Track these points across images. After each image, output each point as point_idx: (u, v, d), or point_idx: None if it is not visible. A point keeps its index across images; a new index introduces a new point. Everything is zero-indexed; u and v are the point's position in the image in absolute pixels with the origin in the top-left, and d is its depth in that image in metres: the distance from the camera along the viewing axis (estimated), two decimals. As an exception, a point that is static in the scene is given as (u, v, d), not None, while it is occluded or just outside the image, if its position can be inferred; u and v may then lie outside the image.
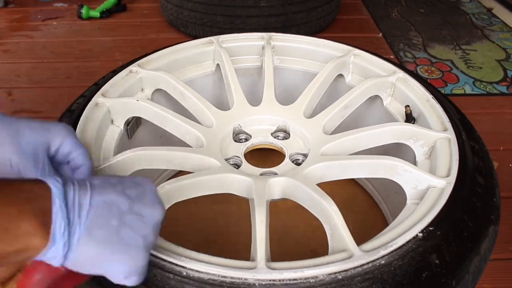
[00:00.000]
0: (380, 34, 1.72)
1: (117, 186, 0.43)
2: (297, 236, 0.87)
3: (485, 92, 1.37)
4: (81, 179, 0.42)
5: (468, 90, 1.38)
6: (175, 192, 0.60)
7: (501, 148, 1.13)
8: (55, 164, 0.51)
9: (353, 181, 0.99)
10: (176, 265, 0.48)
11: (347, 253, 0.50)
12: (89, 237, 0.39)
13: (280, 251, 0.83)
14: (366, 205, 0.94)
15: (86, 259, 0.39)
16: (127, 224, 0.41)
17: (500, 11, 1.90)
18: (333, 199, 0.57)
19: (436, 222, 0.53)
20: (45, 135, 0.50)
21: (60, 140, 0.50)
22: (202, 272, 0.47)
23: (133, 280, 0.42)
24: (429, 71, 1.48)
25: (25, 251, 0.36)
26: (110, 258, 0.40)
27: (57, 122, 0.53)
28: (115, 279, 0.41)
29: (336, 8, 1.72)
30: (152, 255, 0.49)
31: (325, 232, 0.57)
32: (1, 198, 0.36)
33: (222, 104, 0.85)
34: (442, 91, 1.22)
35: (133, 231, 0.42)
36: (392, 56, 1.56)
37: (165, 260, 0.48)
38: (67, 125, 0.53)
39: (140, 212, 0.43)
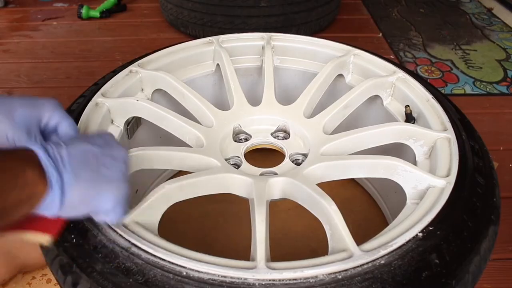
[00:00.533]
0: (380, 34, 1.72)
1: (86, 139, 0.51)
2: (297, 236, 0.87)
3: (485, 92, 1.37)
4: (55, 141, 0.49)
5: (468, 90, 1.38)
6: (175, 192, 0.60)
7: (501, 148, 1.13)
8: (46, 135, 0.57)
9: (353, 181, 0.99)
10: (176, 265, 0.48)
11: (347, 253, 0.50)
12: (77, 179, 0.46)
13: (280, 251, 0.83)
14: (366, 205, 0.94)
15: (78, 199, 0.46)
16: (104, 164, 0.49)
17: (500, 11, 1.90)
18: (333, 199, 0.57)
19: (436, 222, 0.53)
20: (36, 110, 0.55)
21: (49, 114, 0.56)
22: (202, 272, 0.47)
23: (118, 211, 0.50)
24: (429, 71, 1.48)
25: (32, 198, 0.43)
26: (98, 191, 0.48)
27: (47, 98, 0.58)
28: (104, 210, 0.49)
29: (336, 8, 1.72)
30: (152, 254, 0.49)
31: (325, 232, 0.57)
32: (2, 158, 0.43)
33: (222, 104, 0.85)
34: (442, 91, 1.22)
35: (110, 168, 0.49)
36: (392, 56, 1.56)
37: (165, 260, 0.48)
38: (55, 99, 0.58)
39: (111, 154, 0.51)
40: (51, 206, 0.45)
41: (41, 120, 0.55)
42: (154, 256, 0.49)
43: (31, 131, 0.53)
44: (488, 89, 1.38)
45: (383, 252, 0.49)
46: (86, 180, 0.47)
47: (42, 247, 0.55)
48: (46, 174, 0.44)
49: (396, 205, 0.79)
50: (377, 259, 0.49)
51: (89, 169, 0.48)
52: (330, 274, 0.47)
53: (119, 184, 0.50)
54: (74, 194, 0.46)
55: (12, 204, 0.41)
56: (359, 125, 0.73)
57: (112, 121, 0.75)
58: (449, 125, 0.67)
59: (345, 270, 0.48)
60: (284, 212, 0.90)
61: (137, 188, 0.86)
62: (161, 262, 0.48)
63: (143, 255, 0.49)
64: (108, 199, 0.49)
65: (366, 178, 0.95)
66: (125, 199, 0.51)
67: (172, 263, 0.48)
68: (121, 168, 0.51)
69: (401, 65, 0.83)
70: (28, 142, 0.51)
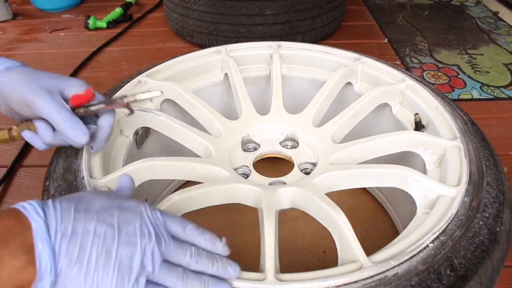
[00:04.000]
0: (386, 40, 1.72)
1: (101, 214, 0.43)
2: (305, 244, 0.86)
3: (492, 97, 1.36)
4: (64, 199, 0.43)
5: (476, 94, 1.37)
6: (184, 202, 0.60)
7: (510, 153, 1.12)
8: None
9: (362, 189, 0.98)
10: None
11: (357, 264, 0.50)
12: (71, 269, 0.39)
13: (289, 260, 0.83)
14: (375, 213, 0.94)
15: None
16: (110, 251, 0.41)
17: (506, 15, 1.89)
18: (342, 207, 0.57)
19: (447, 231, 0.52)
20: (62, 82, 0.55)
21: (75, 89, 0.55)
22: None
23: None
24: (436, 77, 1.47)
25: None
26: (98, 283, 0.39)
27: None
28: None
29: (341, 14, 1.72)
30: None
31: (333, 241, 0.56)
32: None
33: (230, 113, 0.85)
34: (450, 96, 1.22)
35: (118, 255, 0.41)
36: (398, 62, 1.56)
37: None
38: (82, 80, 0.58)
39: (123, 238, 0.42)
40: None
41: (64, 90, 0.55)
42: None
43: (53, 92, 0.54)
44: (495, 94, 1.37)
45: (393, 263, 0.49)
46: (83, 274, 0.39)
47: None
48: (37, 260, 0.38)
49: (406, 213, 0.79)
50: (387, 270, 0.48)
51: (91, 259, 0.40)
52: (339, 286, 0.47)
53: (122, 280, 0.40)
54: (68, 285, 0.39)
55: None
56: (368, 134, 0.72)
57: (121, 132, 0.75)
58: (459, 133, 0.66)
59: (355, 282, 0.47)
60: (293, 221, 0.90)
61: (146, 198, 0.86)
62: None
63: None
64: None
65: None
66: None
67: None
68: (137, 254, 0.42)
69: (409, 72, 0.83)
70: (53, 104, 0.52)
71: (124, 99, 0.58)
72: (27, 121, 0.60)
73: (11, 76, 0.55)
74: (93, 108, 0.58)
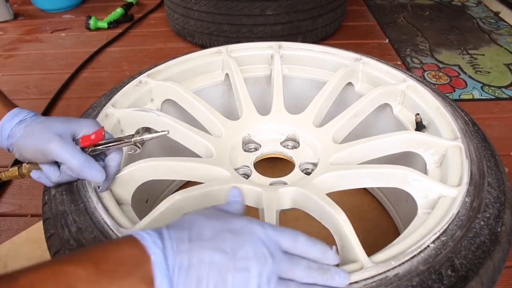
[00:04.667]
0: (387, 40, 1.72)
1: (214, 241, 0.42)
2: (307, 244, 0.86)
3: (493, 97, 1.36)
4: (177, 226, 0.43)
5: (477, 95, 1.37)
6: (185, 203, 0.60)
7: (511, 153, 1.12)
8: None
9: (363, 189, 0.98)
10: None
11: (358, 264, 0.50)
12: None
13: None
14: (376, 213, 0.94)
15: None
16: (226, 283, 0.40)
17: (508, 15, 1.89)
18: (342, 207, 0.57)
19: (448, 232, 0.52)
20: (73, 125, 0.57)
21: (86, 129, 0.58)
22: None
23: None
24: (437, 77, 1.47)
25: None
26: None
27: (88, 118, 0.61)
28: None
29: (342, 15, 1.72)
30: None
31: (334, 241, 0.56)
32: (104, 276, 0.37)
33: (231, 113, 0.85)
34: (450, 97, 1.21)
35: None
36: (399, 62, 1.56)
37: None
38: (95, 120, 0.61)
39: (239, 264, 0.41)
40: None
41: (75, 132, 0.57)
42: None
43: (64, 137, 0.56)
44: (496, 94, 1.37)
45: (394, 263, 0.49)
46: None
47: None
48: None
49: (407, 213, 0.79)
50: (388, 270, 0.48)
51: (208, 285, 0.40)
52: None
53: None
54: None
55: None
56: (369, 134, 0.72)
57: (122, 132, 0.75)
58: (459, 133, 0.66)
59: (356, 282, 0.47)
60: (293, 221, 0.90)
61: (147, 198, 0.86)
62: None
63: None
64: None
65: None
66: None
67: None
68: (251, 278, 0.41)
69: (410, 73, 0.83)
70: (65, 145, 0.54)
71: (132, 139, 0.60)
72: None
73: (25, 128, 0.58)
74: (101, 148, 0.59)
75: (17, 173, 0.64)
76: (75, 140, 0.58)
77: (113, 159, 0.61)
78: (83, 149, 0.57)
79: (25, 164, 0.63)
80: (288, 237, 0.46)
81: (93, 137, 0.57)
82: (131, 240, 0.41)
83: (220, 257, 0.41)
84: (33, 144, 0.56)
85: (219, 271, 0.40)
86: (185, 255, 0.40)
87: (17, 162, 1.03)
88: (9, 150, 0.60)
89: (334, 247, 0.48)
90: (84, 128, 0.58)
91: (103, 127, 0.59)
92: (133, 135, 0.60)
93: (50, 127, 0.56)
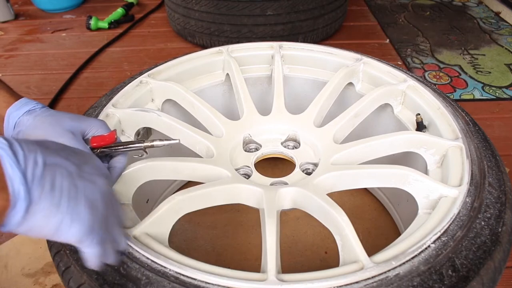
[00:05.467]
0: (387, 40, 1.72)
1: (60, 152, 0.44)
2: (306, 244, 0.86)
3: (494, 97, 1.36)
4: (23, 139, 0.42)
5: (477, 95, 1.37)
6: (186, 203, 0.60)
7: (512, 153, 1.12)
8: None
9: (363, 189, 0.98)
10: (186, 276, 0.48)
11: (358, 264, 0.50)
12: (46, 198, 0.39)
13: (290, 260, 0.83)
14: (377, 213, 0.94)
15: (41, 222, 0.39)
16: (77, 186, 0.42)
17: (508, 15, 1.89)
18: (343, 207, 0.57)
19: (448, 232, 0.52)
20: (83, 123, 0.58)
21: (95, 129, 0.58)
22: (212, 284, 0.47)
23: (92, 244, 0.43)
24: (437, 77, 1.47)
25: None
26: (64, 217, 0.40)
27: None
28: (72, 239, 0.42)
29: (343, 15, 1.72)
30: (161, 266, 0.49)
31: (334, 241, 0.56)
32: None
33: (232, 113, 0.85)
34: (451, 97, 1.21)
35: (83, 191, 0.42)
36: (399, 62, 1.56)
37: (175, 272, 0.49)
38: (103, 120, 0.61)
39: (87, 176, 0.44)
40: (7, 223, 0.37)
41: (84, 131, 0.58)
42: (164, 267, 0.49)
43: (76, 134, 0.56)
44: (497, 94, 1.37)
45: (394, 263, 0.49)
46: (55, 202, 0.39)
47: None
48: (9, 185, 0.37)
49: (408, 214, 0.79)
50: (389, 270, 0.48)
51: (61, 188, 0.40)
52: (341, 286, 0.47)
53: (92, 212, 0.42)
54: (38, 216, 0.39)
55: None
56: (370, 134, 0.72)
57: (122, 132, 0.75)
58: (460, 133, 0.66)
59: (357, 282, 0.47)
60: (294, 221, 0.90)
61: (148, 198, 0.86)
62: (171, 273, 0.48)
63: (153, 266, 0.49)
64: (75, 228, 0.41)
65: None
66: (96, 238, 0.43)
67: (182, 275, 0.48)
68: (97, 191, 0.44)
69: (410, 73, 0.83)
70: (76, 143, 0.55)
71: (142, 145, 0.60)
72: None
73: (34, 119, 0.58)
74: (109, 150, 0.59)
75: None
76: (84, 139, 0.58)
77: (118, 161, 0.61)
78: (92, 149, 0.58)
79: None
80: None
81: (105, 139, 0.58)
82: None
83: (71, 166, 0.43)
84: (43, 136, 0.55)
85: (71, 177, 0.42)
86: (38, 155, 0.40)
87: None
88: None
89: None
90: (94, 128, 0.59)
91: (115, 130, 0.60)
92: (143, 140, 0.61)
93: (61, 122, 0.57)
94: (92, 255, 0.44)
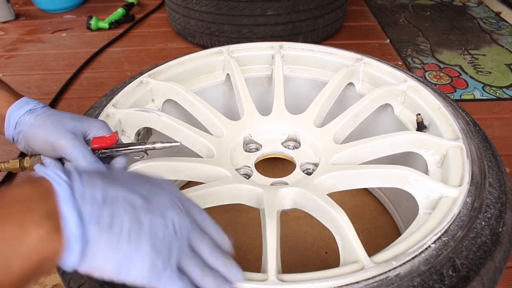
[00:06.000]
0: (388, 40, 1.72)
1: (128, 183, 0.41)
2: (307, 245, 0.86)
3: (494, 97, 1.36)
4: (86, 171, 0.40)
5: (478, 95, 1.37)
6: (187, 203, 0.60)
7: (512, 153, 1.12)
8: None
9: (364, 189, 0.98)
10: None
11: (359, 264, 0.50)
12: (101, 236, 0.36)
13: (291, 260, 0.83)
14: (377, 214, 0.94)
15: (102, 262, 0.37)
16: (142, 222, 0.38)
17: (509, 15, 1.89)
18: (343, 207, 0.57)
19: (449, 232, 0.52)
20: (84, 123, 0.58)
21: (96, 130, 0.58)
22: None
23: (165, 285, 0.39)
24: (438, 77, 1.47)
25: (43, 263, 0.34)
26: (128, 257, 0.37)
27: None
28: (138, 280, 0.38)
29: (343, 15, 1.72)
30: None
31: (335, 241, 0.56)
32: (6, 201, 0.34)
33: (232, 113, 0.85)
34: (451, 97, 1.21)
35: (149, 229, 0.38)
36: (400, 62, 1.56)
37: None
38: (105, 121, 0.61)
39: (155, 210, 0.39)
40: (66, 264, 0.36)
41: (86, 131, 0.58)
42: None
43: (77, 134, 0.56)
44: (497, 94, 1.37)
45: (395, 264, 0.49)
46: (113, 242, 0.36)
47: None
48: (63, 225, 0.34)
49: (408, 214, 0.79)
50: (389, 271, 0.48)
51: (121, 226, 0.37)
52: (341, 286, 0.47)
53: (154, 250, 0.38)
54: (98, 257, 0.36)
55: (18, 277, 0.33)
56: (370, 134, 0.72)
57: (123, 132, 0.75)
58: (460, 133, 0.66)
59: (357, 282, 0.47)
60: (294, 221, 0.90)
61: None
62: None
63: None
64: (136, 269, 0.37)
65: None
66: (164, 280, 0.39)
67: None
68: (166, 225, 0.40)
69: (411, 73, 0.83)
70: (78, 144, 0.54)
71: (143, 147, 0.60)
72: (37, 155, 0.61)
73: (36, 118, 0.57)
74: (110, 151, 0.59)
75: (18, 166, 0.63)
76: (85, 140, 0.58)
77: (119, 162, 0.61)
78: (93, 150, 0.58)
79: (27, 157, 0.63)
80: (197, 208, 0.45)
81: (107, 141, 0.58)
82: (34, 179, 0.37)
83: (137, 198, 0.39)
84: (44, 135, 0.56)
85: (134, 211, 0.38)
86: (97, 188, 0.37)
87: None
88: (13, 140, 0.60)
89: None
90: (95, 129, 0.58)
91: (117, 132, 0.60)
92: (145, 142, 0.61)
93: (63, 122, 0.56)
94: None
